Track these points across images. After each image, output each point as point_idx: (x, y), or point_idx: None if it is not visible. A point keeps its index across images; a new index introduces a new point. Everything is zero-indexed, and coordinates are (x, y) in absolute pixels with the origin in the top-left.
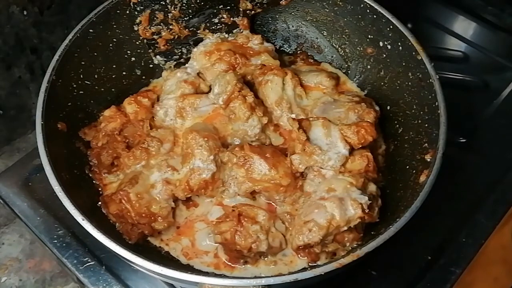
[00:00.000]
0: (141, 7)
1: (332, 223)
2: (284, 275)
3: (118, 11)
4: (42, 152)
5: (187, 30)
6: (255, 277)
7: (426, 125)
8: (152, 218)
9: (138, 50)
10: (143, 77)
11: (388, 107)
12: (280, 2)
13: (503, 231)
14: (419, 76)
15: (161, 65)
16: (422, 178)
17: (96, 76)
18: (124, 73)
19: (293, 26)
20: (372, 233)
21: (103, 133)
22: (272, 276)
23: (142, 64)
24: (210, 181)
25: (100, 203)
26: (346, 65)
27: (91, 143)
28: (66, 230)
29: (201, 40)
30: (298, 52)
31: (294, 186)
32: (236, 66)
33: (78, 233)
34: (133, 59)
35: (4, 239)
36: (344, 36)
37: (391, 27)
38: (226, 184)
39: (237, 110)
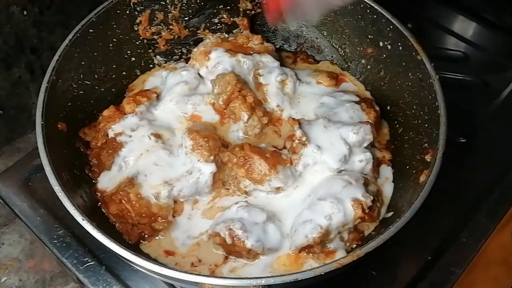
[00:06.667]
0: (141, 7)
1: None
2: (284, 275)
3: (118, 11)
4: (42, 152)
5: (187, 30)
6: (255, 277)
7: (426, 125)
8: (152, 218)
9: (138, 50)
10: None
11: (388, 107)
12: None
13: (503, 231)
14: (419, 76)
15: (161, 65)
16: (422, 178)
17: (96, 76)
18: (124, 73)
19: (293, 26)
20: (372, 233)
21: (102, 133)
22: (272, 276)
23: (142, 64)
24: None
25: (100, 203)
26: (346, 65)
27: (90, 143)
28: (66, 230)
29: (201, 40)
30: (298, 52)
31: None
32: None
33: (78, 233)
34: (133, 59)
35: (4, 239)
36: (344, 36)
37: (391, 27)
38: (226, 184)
39: (237, 110)
